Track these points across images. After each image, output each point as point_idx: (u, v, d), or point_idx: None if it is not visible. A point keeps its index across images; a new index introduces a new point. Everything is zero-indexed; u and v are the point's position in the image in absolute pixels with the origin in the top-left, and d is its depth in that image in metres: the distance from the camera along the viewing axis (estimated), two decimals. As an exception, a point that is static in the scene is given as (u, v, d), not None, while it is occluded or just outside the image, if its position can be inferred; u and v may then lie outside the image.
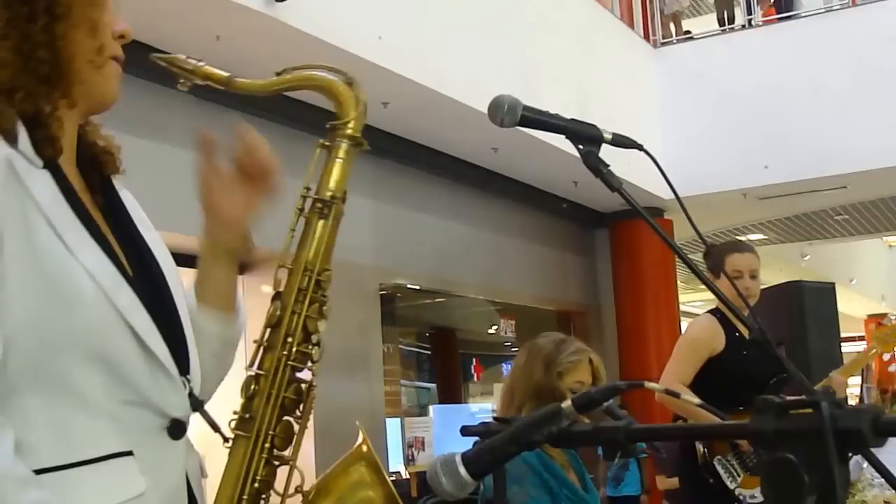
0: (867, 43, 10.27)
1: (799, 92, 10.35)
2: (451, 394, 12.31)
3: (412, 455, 9.09)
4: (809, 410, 1.14)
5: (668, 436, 1.46)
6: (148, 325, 1.57)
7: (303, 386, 1.72)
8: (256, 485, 1.67)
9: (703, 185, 10.14)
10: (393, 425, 8.85)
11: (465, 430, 2.83)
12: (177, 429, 1.60)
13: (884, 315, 24.15)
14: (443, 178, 8.87)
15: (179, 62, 1.76)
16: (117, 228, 1.65)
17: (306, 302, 1.74)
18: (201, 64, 1.76)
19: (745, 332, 4.80)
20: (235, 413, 1.69)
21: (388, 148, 7.98)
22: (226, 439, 1.69)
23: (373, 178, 7.94)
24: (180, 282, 1.74)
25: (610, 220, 11.29)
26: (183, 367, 1.64)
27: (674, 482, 5.96)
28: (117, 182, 1.73)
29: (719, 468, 4.61)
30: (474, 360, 13.86)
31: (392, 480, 6.17)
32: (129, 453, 1.54)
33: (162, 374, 1.58)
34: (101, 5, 1.62)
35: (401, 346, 10.42)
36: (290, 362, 1.71)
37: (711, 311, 4.88)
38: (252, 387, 1.70)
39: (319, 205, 1.77)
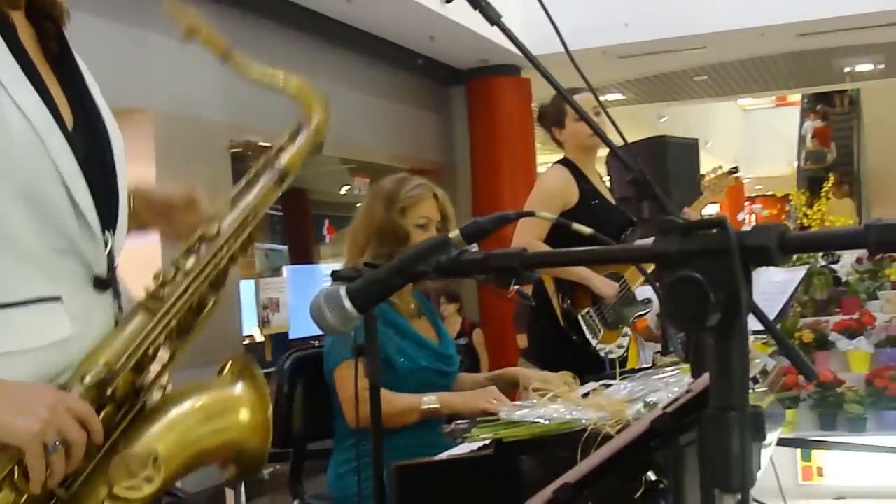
0: None
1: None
2: (304, 255, 12.30)
3: (267, 317, 9.07)
4: (714, 230, 1.12)
5: (566, 261, 1.42)
6: (75, 173, 1.58)
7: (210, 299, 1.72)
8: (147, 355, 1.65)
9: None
10: (247, 287, 8.78)
11: (336, 275, 2.79)
12: (99, 283, 1.64)
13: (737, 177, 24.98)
14: (294, 29, 8.60)
15: (189, 16, 1.74)
16: (66, 82, 1.69)
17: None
18: (202, 28, 1.76)
19: (596, 183, 4.78)
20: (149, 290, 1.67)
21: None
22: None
23: (221, 30, 7.59)
24: (123, 147, 1.76)
25: (467, 77, 11.18)
26: (108, 222, 1.65)
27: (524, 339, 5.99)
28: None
29: (582, 324, 4.62)
30: (326, 220, 13.84)
31: (246, 344, 6.09)
32: (58, 299, 1.57)
33: (85, 225, 1.60)
34: None
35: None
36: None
37: (561, 162, 4.81)
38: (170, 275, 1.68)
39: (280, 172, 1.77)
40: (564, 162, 4.77)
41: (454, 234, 1.43)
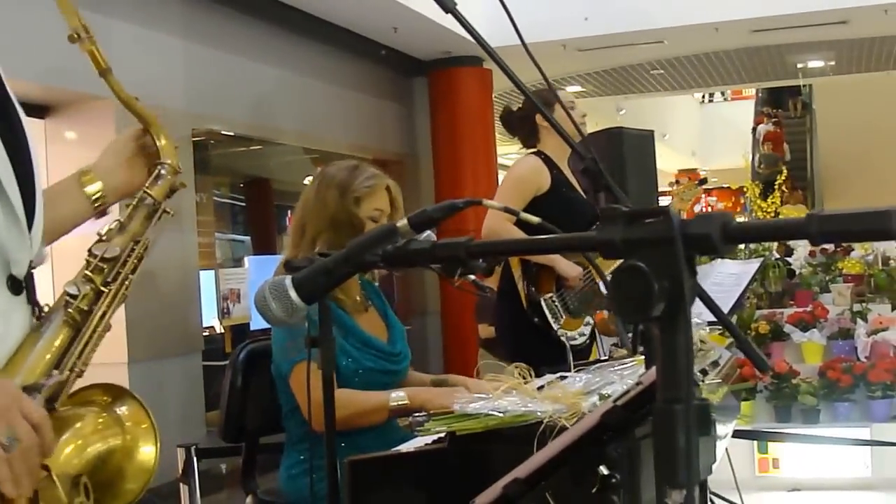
0: None
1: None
2: (266, 245, 12.21)
3: (227, 308, 8.96)
4: (658, 218, 1.12)
5: (512, 250, 1.41)
6: (5, 169, 1.58)
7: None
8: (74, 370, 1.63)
9: (524, 36, 10.09)
10: (207, 278, 8.68)
11: (290, 265, 2.76)
12: (15, 285, 1.59)
13: (693, 170, 25.14)
14: (258, 19, 8.55)
15: (77, 19, 1.82)
16: None
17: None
18: (88, 40, 1.83)
19: (567, 173, 4.83)
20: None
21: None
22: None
23: (183, 18, 7.60)
24: (35, 145, 1.74)
25: (429, 68, 11.18)
26: (30, 225, 1.63)
27: (491, 331, 6.01)
28: None
29: (545, 307, 4.65)
30: (289, 211, 13.76)
31: (206, 336, 6.01)
32: None
33: (14, 223, 1.58)
34: None
35: (214, 197, 10.21)
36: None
37: (534, 153, 4.87)
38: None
39: (150, 202, 1.87)
40: (537, 153, 4.82)
41: (402, 223, 1.42)
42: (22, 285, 1.60)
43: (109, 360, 5.87)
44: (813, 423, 6.41)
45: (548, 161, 4.75)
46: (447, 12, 1.76)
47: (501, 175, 10.00)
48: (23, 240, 1.58)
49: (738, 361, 4.77)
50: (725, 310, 4.71)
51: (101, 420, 1.65)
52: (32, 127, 1.81)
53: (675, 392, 1.08)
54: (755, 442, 6.10)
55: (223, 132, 8.60)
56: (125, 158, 1.90)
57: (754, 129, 19.54)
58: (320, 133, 9.83)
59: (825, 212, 1.05)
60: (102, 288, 1.64)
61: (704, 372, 2.62)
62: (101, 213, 1.90)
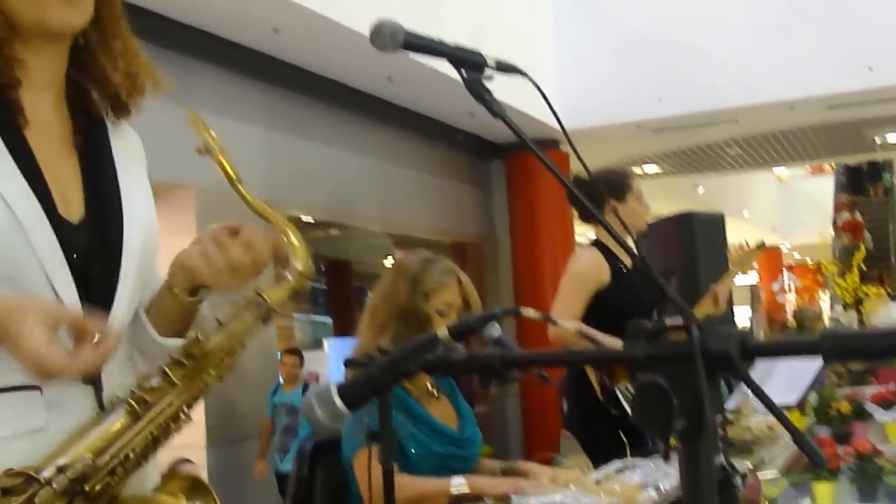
0: (760, -23, 10.40)
1: (693, 26, 10.43)
2: (347, 326, 12.32)
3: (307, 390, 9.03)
4: (681, 334, 1.15)
5: (545, 362, 1.45)
6: (59, 264, 1.57)
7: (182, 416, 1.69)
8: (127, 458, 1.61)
9: (598, 117, 10.21)
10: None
11: (348, 363, 2.81)
12: (85, 375, 1.58)
13: (775, 246, 24.84)
14: (337, 107, 8.75)
15: (206, 132, 1.82)
16: (89, 170, 1.69)
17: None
18: (218, 151, 1.81)
19: (628, 263, 4.82)
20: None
21: (280, 75, 7.86)
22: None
23: (264, 107, 7.81)
24: (143, 231, 1.75)
25: (505, 152, 11.29)
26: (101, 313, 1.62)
27: None
28: (123, 125, 1.83)
29: (620, 396, 4.61)
30: (369, 292, 13.86)
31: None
32: (37, 388, 1.55)
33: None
34: None
35: (295, 280, 10.30)
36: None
37: (593, 243, 4.87)
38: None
39: (262, 304, 1.76)
40: (595, 243, 4.83)
41: (443, 332, 1.47)
42: (90, 376, 1.62)
43: (188, 442, 5.98)
44: (898, 505, 6.25)
45: (606, 251, 4.74)
46: (496, 117, 1.81)
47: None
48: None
49: (820, 440, 4.73)
50: (799, 393, 4.67)
51: None
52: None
53: (698, 504, 1.11)
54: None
55: (303, 218, 8.75)
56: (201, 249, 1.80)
57: (834, 221, 19.22)
58: (399, 217, 9.96)
59: (838, 331, 1.08)
60: (177, 382, 1.64)
61: (762, 462, 2.61)
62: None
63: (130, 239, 1.71)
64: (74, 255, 1.60)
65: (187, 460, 6.76)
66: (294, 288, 1.78)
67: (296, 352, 8.39)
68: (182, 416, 1.66)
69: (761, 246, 5.54)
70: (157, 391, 1.62)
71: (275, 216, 1.80)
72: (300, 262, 1.79)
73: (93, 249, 1.63)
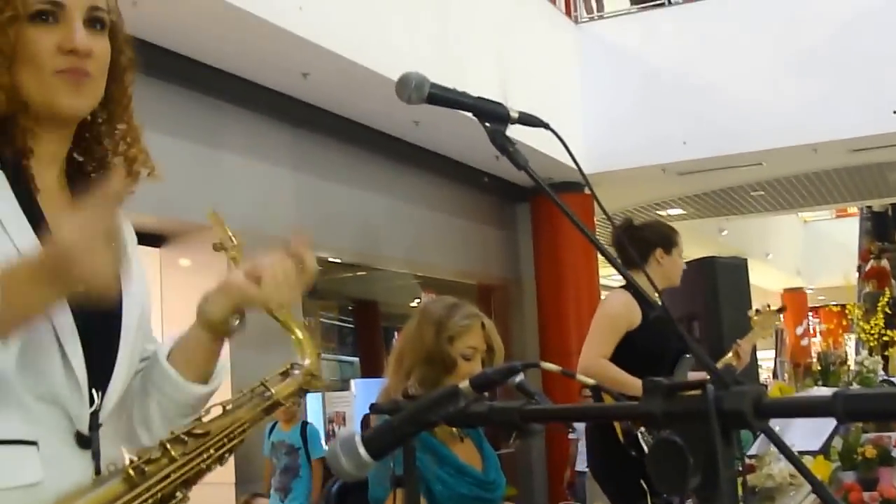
0: (782, 22, 10.43)
1: (716, 69, 10.48)
2: (374, 367, 12.31)
3: (333, 431, 9.00)
4: (697, 391, 1.18)
5: (564, 417, 1.48)
6: (69, 328, 1.60)
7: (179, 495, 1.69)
8: None
9: (623, 161, 10.27)
10: (314, 400, 8.77)
11: (374, 408, 2.85)
12: (81, 439, 1.63)
13: (799, 289, 24.64)
14: (364, 150, 8.83)
15: (224, 230, 1.90)
16: None
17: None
18: (233, 249, 1.90)
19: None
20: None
21: (308, 119, 7.95)
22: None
23: (293, 150, 7.89)
24: (141, 301, 1.79)
25: (531, 195, 11.34)
26: (100, 381, 1.66)
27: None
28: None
29: (641, 440, 4.63)
30: (396, 333, 13.88)
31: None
32: (34, 444, 1.57)
33: (74, 381, 1.61)
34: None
35: (322, 320, 10.35)
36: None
37: (625, 287, 4.92)
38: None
39: (267, 396, 1.79)
40: (627, 287, 4.85)
41: (464, 384, 1.49)
42: (88, 440, 1.64)
43: (217, 480, 5.98)
44: (923, 551, 6.20)
45: (637, 295, 4.78)
46: (519, 169, 1.86)
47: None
48: (79, 396, 1.63)
49: (846, 486, 4.71)
50: (823, 438, 4.66)
51: None
52: (148, 256, 1.85)
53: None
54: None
55: (330, 259, 8.80)
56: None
57: (860, 268, 19.02)
58: (425, 259, 10.00)
59: (850, 392, 1.10)
60: (176, 457, 1.64)
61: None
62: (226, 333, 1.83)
63: (129, 313, 1.74)
64: (79, 320, 1.63)
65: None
66: (301, 385, 1.81)
67: None
68: (179, 495, 1.66)
69: (782, 310, 5.55)
70: (156, 463, 1.62)
71: (282, 312, 1.82)
72: (309, 358, 1.83)
73: (95, 317, 1.65)
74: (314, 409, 8.73)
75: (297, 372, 1.81)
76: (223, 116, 7.21)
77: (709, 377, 1.17)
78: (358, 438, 1.50)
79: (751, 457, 4.32)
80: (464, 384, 1.49)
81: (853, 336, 11.79)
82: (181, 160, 6.56)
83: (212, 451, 1.69)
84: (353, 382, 10.60)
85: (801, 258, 24.22)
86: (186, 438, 1.67)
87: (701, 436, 1.15)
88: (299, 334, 1.85)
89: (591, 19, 11.97)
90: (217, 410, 1.74)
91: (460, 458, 3.23)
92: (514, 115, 1.87)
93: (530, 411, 1.34)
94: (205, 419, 1.71)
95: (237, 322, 1.79)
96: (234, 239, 1.89)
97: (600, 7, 12.64)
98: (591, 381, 1.50)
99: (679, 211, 13.99)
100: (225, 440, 1.71)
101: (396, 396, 3.12)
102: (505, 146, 1.84)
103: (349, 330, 13.31)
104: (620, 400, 1.73)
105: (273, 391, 1.76)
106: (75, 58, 1.67)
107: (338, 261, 9.03)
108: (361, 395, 9.71)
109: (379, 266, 10.04)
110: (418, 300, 13.60)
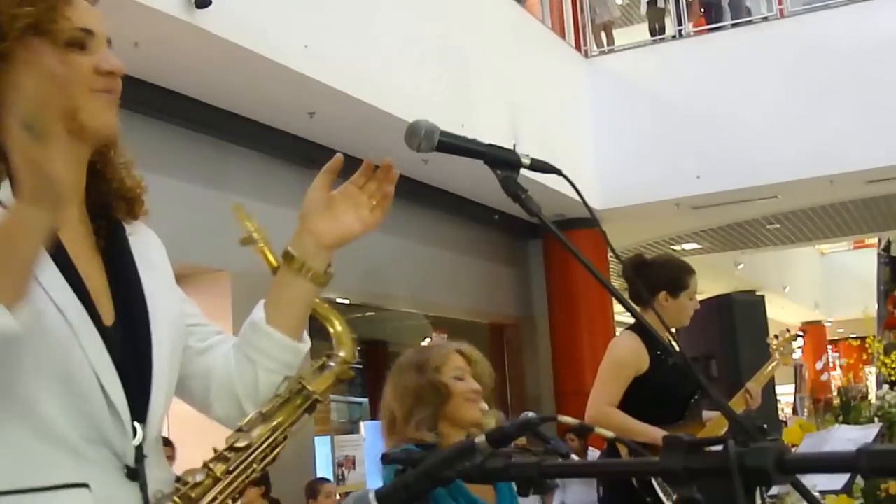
0: (796, 53, 10.44)
1: (729, 102, 10.49)
2: (384, 408, 12.24)
3: (342, 475, 8.90)
4: (718, 447, 1.14)
5: (582, 473, 1.43)
6: (107, 366, 1.64)
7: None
8: None
9: (637, 196, 10.25)
10: (322, 444, 8.69)
11: (386, 458, 2.78)
12: (130, 472, 1.65)
13: (818, 322, 24.53)
14: (372, 189, 8.80)
15: (249, 223, 1.92)
16: (115, 272, 1.76)
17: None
18: (261, 241, 1.90)
19: (666, 344, 4.79)
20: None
21: (315, 158, 7.88)
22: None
23: (300, 189, 7.80)
24: (171, 327, 1.80)
25: (543, 231, 11.28)
26: (139, 414, 1.69)
27: None
28: (138, 224, 1.87)
29: (655, 485, 4.58)
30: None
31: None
32: (86, 486, 1.59)
33: (117, 418, 1.64)
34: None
35: (329, 363, 10.26)
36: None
37: (632, 328, 4.85)
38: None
39: (306, 394, 1.81)
40: (634, 329, 4.79)
41: (480, 439, 1.46)
42: (136, 472, 1.66)
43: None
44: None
45: (645, 337, 4.71)
46: (532, 216, 1.81)
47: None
48: (122, 431, 1.65)
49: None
50: (844, 479, 4.59)
51: None
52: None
53: None
54: None
55: (339, 300, 8.77)
56: (318, 214, 1.95)
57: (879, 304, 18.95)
58: (436, 298, 9.96)
59: (873, 447, 1.06)
60: (220, 476, 1.67)
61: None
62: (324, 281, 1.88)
63: (159, 342, 1.76)
64: (115, 359, 1.66)
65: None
66: (338, 375, 1.84)
67: None
68: None
69: (799, 335, 5.47)
70: (202, 487, 1.65)
71: (318, 303, 1.89)
72: (344, 348, 1.86)
73: (127, 352, 1.69)
74: (323, 453, 8.65)
75: (332, 364, 1.84)
76: (229, 157, 7.20)
77: (728, 423, 1.14)
78: (372, 496, 1.47)
79: (772, 496, 4.26)
80: (480, 439, 1.46)
81: (874, 370, 11.69)
82: (188, 202, 6.55)
83: (254, 464, 1.71)
84: (362, 425, 10.53)
85: (819, 291, 24.18)
86: (229, 455, 1.69)
87: (723, 493, 1.11)
88: (338, 326, 1.88)
89: (602, 53, 11.99)
90: (256, 417, 1.77)
91: (472, 492, 3.21)
92: (526, 161, 1.85)
93: (549, 468, 1.31)
94: (244, 429, 1.74)
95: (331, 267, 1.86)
96: (258, 230, 1.90)
97: (610, 41, 12.68)
98: (609, 434, 1.46)
99: (694, 245, 13.98)
100: (268, 450, 1.73)
101: (406, 444, 3.07)
102: (518, 193, 1.82)
103: (358, 371, 13.25)
104: (636, 450, 1.69)
105: (311, 388, 1.79)
106: (111, 79, 1.73)
107: (346, 301, 8.98)
108: (371, 438, 9.64)
109: (388, 306, 9.99)
110: (429, 340, 13.58)
